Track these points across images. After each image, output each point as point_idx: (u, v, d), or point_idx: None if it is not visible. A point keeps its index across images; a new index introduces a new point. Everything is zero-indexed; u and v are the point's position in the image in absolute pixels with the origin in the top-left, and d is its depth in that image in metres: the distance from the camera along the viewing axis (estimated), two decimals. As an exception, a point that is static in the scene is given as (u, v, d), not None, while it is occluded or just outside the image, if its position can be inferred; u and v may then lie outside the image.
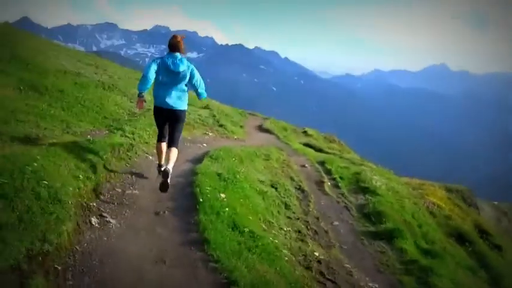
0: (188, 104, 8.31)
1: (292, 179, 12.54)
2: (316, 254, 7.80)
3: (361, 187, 13.41)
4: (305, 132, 27.88)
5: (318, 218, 10.06)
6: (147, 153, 10.05)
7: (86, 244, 5.29)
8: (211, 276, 5.17)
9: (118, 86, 17.23)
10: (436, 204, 15.38)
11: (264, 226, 7.91)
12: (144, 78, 7.57)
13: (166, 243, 5.85)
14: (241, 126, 21.26)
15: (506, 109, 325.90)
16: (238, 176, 9.34)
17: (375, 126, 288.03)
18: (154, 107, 8.06)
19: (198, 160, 10.61)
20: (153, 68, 7.62)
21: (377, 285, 7.64)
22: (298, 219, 9.55)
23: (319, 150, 21.72)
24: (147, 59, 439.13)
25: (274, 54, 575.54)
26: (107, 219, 6.14)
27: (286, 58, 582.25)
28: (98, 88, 15.83)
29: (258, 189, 9.78)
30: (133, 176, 8.31)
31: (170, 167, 7.61)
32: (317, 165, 15.28)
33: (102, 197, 6.88)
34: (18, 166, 5.65)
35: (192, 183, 8.19)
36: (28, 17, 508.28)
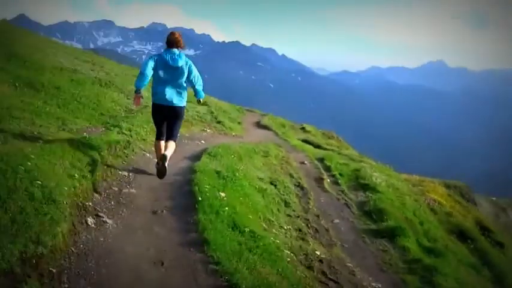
0: (186, 100, 8.26)
1: (291, 175, 12.41)
2: (318, 253, 7.67)
3: (361, 184, 13.30)
4: (303, 128, 27.79)
5: (318, 216, 9.93)
6: (144, 151, 9.92)
7: (81, 245, 5.13)
8: (211, 279, 5.01)
9: (115, 83, 17.10)
10: (437, 201, 15.27)
11: (264, 225, 7.77)
12: (141, 75, 7.61)
13: (165, 244, 5.68)
14: (239, 123, 21.16)
15: (504, 105, 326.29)
16: (237, 174, 9.18)
17: (372, 123, 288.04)
18: (153, 104, 8.08)
19: (196, 157, 10.46)
20: (151, 64, 7.64)
21: (380, 285, 7.52)
22: (298, 217, 9.43)
23: (318, 146, 21.63)
24: (143, 56, 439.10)
25: (271, 51, 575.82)
26: (104, 219, 5.98)
27: (283, 55, 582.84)
28: (95, 85, 15.70)
29: (257, 186, 9.64)
30: (131, 174, 8.14)
31: (168, 153, 7.83)
32: (316, 161, 15.17)
33: (98, 196, 6.71)
34: (11, 165, 5.48)
35: (190, 181, 8.02)
36: (25, 14, 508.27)
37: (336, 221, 10.24)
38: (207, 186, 7.60)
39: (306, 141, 22.30)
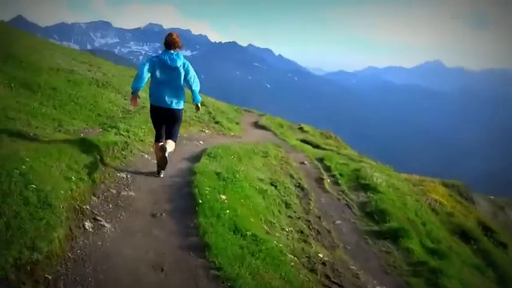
0: (184, 101, 8.31)
1: (291, 176, 12.29)
2: (320, 255, 7.52)
3: (361, 184, 13.17)
4: (301, 128, 27.78)
5: (319, 217, 9.79)
6: (142, 152, 9.81)
7: (78, 250, 4.97)
8: (213, 285, 4.85)
9: (112, 84, 16.99)
10: (438, 201, 15.14)
11: (266, 228, 7.62)
12: (138, 76, 7.66)
13: (164, 249, 5.51)
14: (237, 123, 21.16)
15: (504, 105, 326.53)
16: (237, 175, 9.04)
17: (369, 123, 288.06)
18: (151, 106, 8.10)
19: (196, 158, 10.35)
20: (148, 66, 7.73)
21: (384, 288, 7.38)
22: (299, 218, 9.30)
23: (316, 146, 21.60)
24: (141, 57, 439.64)
25: (268, 51, 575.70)
26: (101, 222, 5.82)
27: (280, 55, 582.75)
28: (92, 85, 15.59)
29: (257, 188, 9.50)
30: (129, 176, 8.01)
31: (168, 147, 7.92)
32: (316, 162, 15.05)
33: (96, 199, 6.56)
34: (5, 169, 5.31)
35: (190, 183, 7.87)
36: (23, 15, 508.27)
37: (338, 222, 10.10)
38: (207, 189, 7.45)
39: (304, 141, 22.29)
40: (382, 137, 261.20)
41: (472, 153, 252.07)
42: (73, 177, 6.31)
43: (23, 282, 3.87)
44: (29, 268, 4.04)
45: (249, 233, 6.25)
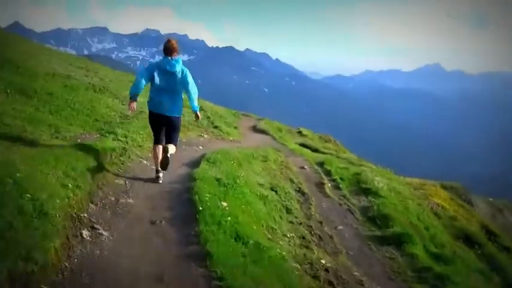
0: (182, 108, 8.36)
1: (291, 181, 12.18)
2: (323, 261, 7.38)
3: (362, 188, 13.04)
4: (300, 132, 27.78)
5: (321, 223, 9.66)
6: (141, 158, 9.70)
7: (76, 260, 4.84)
8: (215, 296, 4.70)
9: (109, 89, 16.92)
10: (440, 205, 14.99)
11: (268, 234, 7.46)
12: (137, 82, 7.79)
13: (164, 258, 5.37)
14: (235, 128, 21.16)
15: (503, 109, 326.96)
16: (238, 181, 8.90)
17: (367, 127, 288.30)
18: (150, 112, 8.15)
19: (195, 164, 10.26)
20: (147, 71, 7.89)
21: (389, 295, 7.24)
22: (301, 224, 9.15)
23: (316, 150, 21.62)
24: (138, 62, 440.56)
25: (265, 55, 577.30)
26: (99, 231, 5.69)
27: (277, 59, 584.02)
28: (89, 90, 15.50)
29: (258, 193, 9.35)
30: (127, 183, 7.89)
31: (170, 149, 7.94)
32: (316, 166, 14.95)
33: (94, 207, 6.41)
34: (-1, 177, 5.16)
35: (189, 189, 7.73)
36: (19, 22, 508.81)
37: (340, 227, 9.95)
38: (208, 195, 7.29)
39: (303, 145, 22.34)
40: (380, 141, 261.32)
41: (471, 157, 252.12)
42: (70, 185, 6.16)
43: (18, 294, 3.71)
44: (24, 279, 3.91)
45: (251, 241, 6.08)
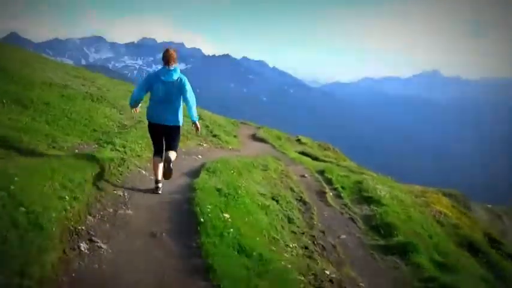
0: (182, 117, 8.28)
1: (292, 190, 12.04)
2: (327, 272, 7.22)
3: (364, 197, 12.92)
4: (299, 140, 27.70)
5: (323, 232, 9.51)
6: (139, 168, 9.55)
7: (73, 274, 4.69)
8: (219, 311, 4.54)
9: (107, 98, 16.80)
10: (443, 212, 14.82)
11: (271, 245, 7.28)
12: (134, 94, 8.03)
13: (165, 271, 5.22)
14: (234, 136, 21.07)
15: (502, 115, 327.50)
16: (239, 191, 8.75)
17: (366, 134, 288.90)
18: (149, 123, 8.12)
19: (195, 173, 10.16)
20: (145, 82, 7.97)
21: (396, 306, 7.07)
22: (303, 233, 8.99)
23: (315, 158, 21.55)
24: (135, 72, 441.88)
25: (262, 63, 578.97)
26: (98, 243, 5.54)
27: (274, 67, 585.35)
28: (86, 100, 15.37)
29: (260, 203, 9.21)
30: (126, 194, 7.74)
31: (172, 156, 7.91)
32: (316, 174, 14.83)
33: (92, 219, 6.25)
34: (-7, 190, 5.00)
35: (190, 200, 7.61)
36: (16, 32, 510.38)
37: (343, 236, 9.80)
38: (209, 206, 7.14)
39: (303, 153, 22.29)
40: (379, 148, 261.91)
41: (471, 163, 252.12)
42: (67, 197, 5.98)
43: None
44: (19, 295, 3.74)
45: (254, 253, 5.94)
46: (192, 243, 5.99)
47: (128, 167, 9.22)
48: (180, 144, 11.67)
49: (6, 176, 5.52)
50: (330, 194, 12.64)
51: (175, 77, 7.79)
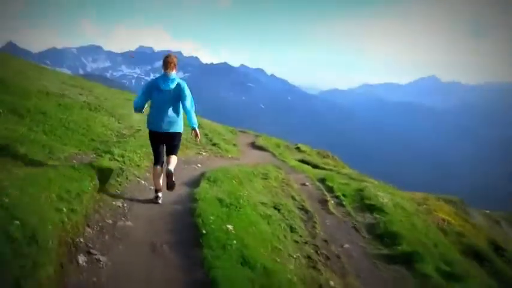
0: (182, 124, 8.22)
1: (293, 198, 11.89)
2: (332, 283, 7.10)
3: (366, 204, 12.70)
4: (298, 148, 27.63)
5: (326, 241, 9.32)
6: (138, 178, 9.42)
7: (71, 288, 4.49)
8: (223, 327, 4.37)
9: (105, 107, 16.68)
10: (446, 220, 14.65)
11: (275, 257, 7.11)
12: (136, 103, 7.98)
13: (167, 285, 5.06)
14: (234, 145, 20.99)
15: (501, 120, 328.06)
16: (241, 201, 8.59)
17: (365, 142, 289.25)
18: (150, 131, 8.03)
19: (195, 183, 10.03)
20: (145, 90, 7.91)
21: (403, 318, 6.90)
22: (306, 243, 8.82)
23: (315, 166, 21.44)
24: (133, 81, 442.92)
25: (260, 71, 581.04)
26: (96, 256, 5.39)
27: (272, 75, 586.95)
28: (84, 109, 15.23)
29: (262, 213, 9.03)
30: (125, 205, 7.59)
31: (171, 167, 7.80)
32: (317, 182, 14.67)
33: (90, 231, 6.11)
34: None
35: (191, 210, 7.46)
36: (14, 42, 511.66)
37: (346, 246, 9.60)
38: (211, 218, 6.98)
39: (302, 161, 22.24)
40: (378, 155, 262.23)
41: (473, 171, 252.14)
42: (64, 208, 5.81)
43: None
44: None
45: (258, 265, 5.76)
46: (194, 255, 5.83)
47: (126, 177, 9.10)
48: (179, 154, 11.54)
49: (0, 188, 5.35)
50: (331, 202, 12.46)
51: (173, 85, 7.74)
